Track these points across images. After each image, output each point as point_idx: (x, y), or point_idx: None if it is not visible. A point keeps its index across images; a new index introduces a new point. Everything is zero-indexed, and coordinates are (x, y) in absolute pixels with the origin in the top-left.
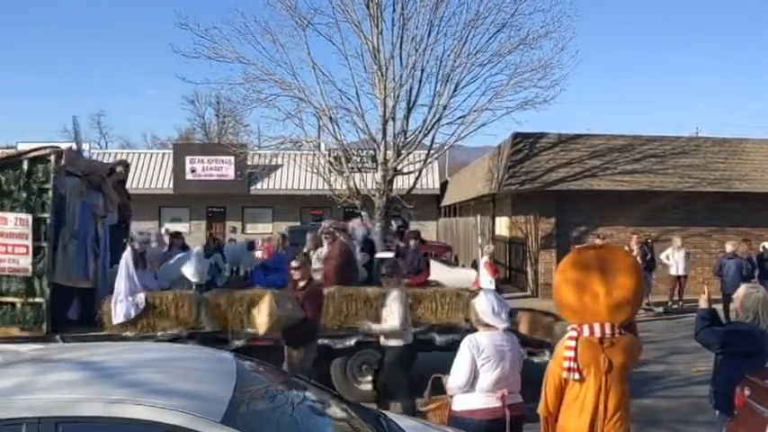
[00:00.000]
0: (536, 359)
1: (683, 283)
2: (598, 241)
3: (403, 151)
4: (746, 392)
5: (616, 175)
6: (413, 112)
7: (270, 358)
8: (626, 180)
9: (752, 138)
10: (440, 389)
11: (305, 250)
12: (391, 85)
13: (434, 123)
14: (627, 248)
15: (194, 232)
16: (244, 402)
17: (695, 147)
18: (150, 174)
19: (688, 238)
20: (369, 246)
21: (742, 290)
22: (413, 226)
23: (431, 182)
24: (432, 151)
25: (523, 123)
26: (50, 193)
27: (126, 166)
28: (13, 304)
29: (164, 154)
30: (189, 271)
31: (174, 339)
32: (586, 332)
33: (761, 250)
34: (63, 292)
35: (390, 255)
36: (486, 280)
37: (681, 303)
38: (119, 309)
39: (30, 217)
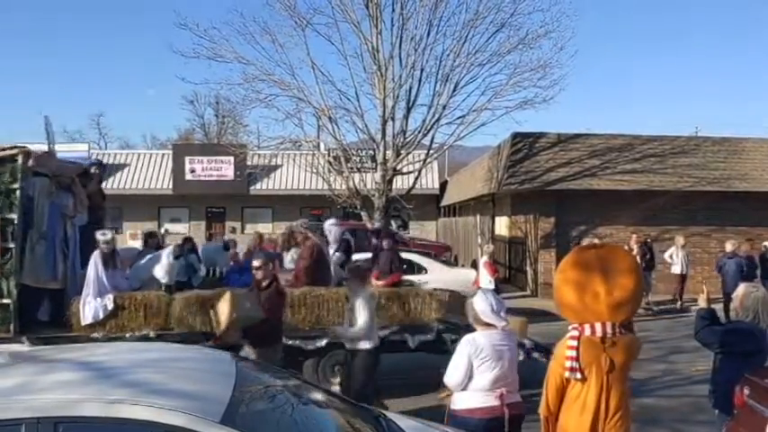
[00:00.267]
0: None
1: (684, 282)
2: (596, 241)
3: (402, 151)
4: (746, 392)
5: (616, 174)
6: (412, 111)
7: None
8: (625, 180)
9: (751, 137)
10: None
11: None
12: (390, 85)
13: (434, 123)
14: (627, 248)
15: (194, 232)
16: (243, 402)
17: (695, 146)
18: (150, 174)
19: (687, 238)
20: (345, 245)
21: (741, 289)
22: (412, 226)
23: (430, 182)
24: (431, 151)
25: (523, 123)
26: (18, 193)
27: (101, 166)
28: None
29: (163, 154)
30: (159, 271)
31: (143, 340)
32: (588, 332)
33: (763, 249)
34: (32, 293)
35: (368, 255)
36: (486, 280)
37: (680, 303)
38: (87, 310)
39: None
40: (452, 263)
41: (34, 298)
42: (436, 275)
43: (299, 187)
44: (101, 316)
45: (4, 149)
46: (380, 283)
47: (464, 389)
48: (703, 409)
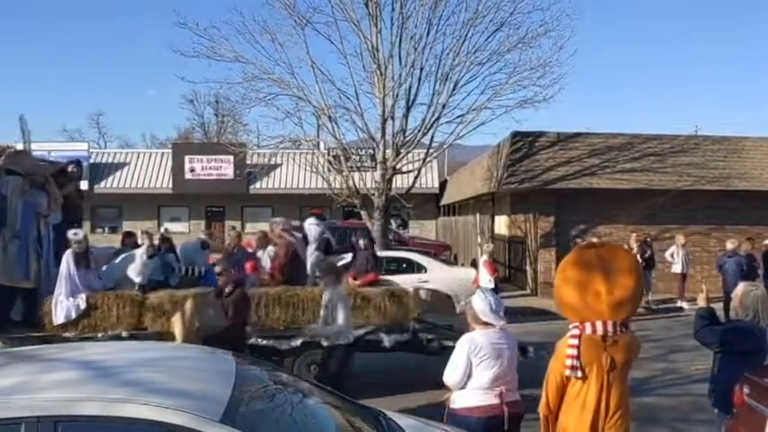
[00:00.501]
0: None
1: (685, 281)
2: (595, 240)
3: (402, 150)
4: (745, 391)
5: (615, 173)
6: (412, 110)
7: None
8: (625, 179)
9: (751, 136)
10: None
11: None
12: (390, 84)
13: (433, 122)
14: (626, 247)
15: (194, 232)
16: (243, 401)
17: (694, 145)
18: (149, 173)
19: (687, 237)
20: (325, 245)
21: (741, 288)
22: (412, 225)
23: (430, 181)
24: (431, 150)
25: (522, 122)
26: None
27: (79, 165)
28: None
29: (163, 153)
30: (132, 271)
31: (116, 340)
32: (588, 330)
33: (765, 248)
34: (4, 293)
35: (348, 256)
36: (486, 279)
37: (685, 302)
38: (59, 309)
39: None
40: (452, 262)
41: (7, 297)
42: (436, 274)
43: (298, 186)
44: (73, 315)
45: None
46: (357, 282)
47: (463, 387)
48: (703, 407)
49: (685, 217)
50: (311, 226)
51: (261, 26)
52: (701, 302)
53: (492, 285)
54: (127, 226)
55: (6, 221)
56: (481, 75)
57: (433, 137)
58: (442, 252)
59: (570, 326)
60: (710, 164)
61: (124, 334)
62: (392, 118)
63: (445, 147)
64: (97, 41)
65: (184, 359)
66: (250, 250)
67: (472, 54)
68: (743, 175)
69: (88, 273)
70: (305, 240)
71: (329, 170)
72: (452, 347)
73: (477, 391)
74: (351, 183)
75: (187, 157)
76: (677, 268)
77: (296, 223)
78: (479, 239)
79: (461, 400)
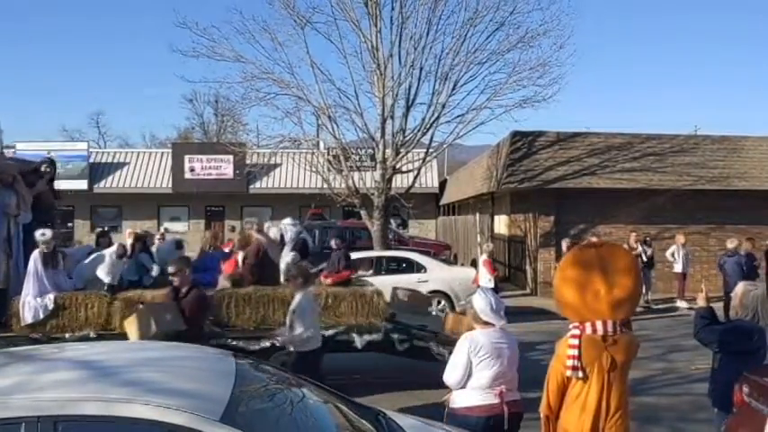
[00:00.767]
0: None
1: (685, 281)
2: (594, 239)
3: (402, 150)
4: (745, 390)
5: (615, 173)
6: (411, 110)
7: None
8: (625, 178)
9: (751, 136)
10: None
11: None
12: (390, 84)
13: (433, 122)
14: (626, 246)
15: (193, 231)
16: (243, 401)
17: (694, 145)
18: (149, 173)
19: (687, 236)
20: (301, 245)
21: (740, 287)
22: (412, 224)
23: (430, 180)
24: (431, 150)
25: (522, 122)
26: None
27: (52, 164)
28: None
29: (162, 153)
30: (101, 271)
31: (84, 341)
32: (589, 330)
33: (766, 248)
34: None
35: (324, 265)
36: (486, 278)
37: (687, 302)
38: (26, 310)
39: None
40: (452, 261)
41: None
42: (435, 274)
43: (298, 186)
44: (41, 316)
45: None
46: (328, 280)
47: (463, 387)
48: (703, 407)
49: (685, 217)
50: (288, 227)
51: (261, 26)
52: (701, 302)
53: (492, 285)
54: (127, 226)
55: None
56: (481, 74)
57: (432, 136)
58: (442, 252)
59: (570, 326)
60: (710, 163)
61: (92, 335)
62: (392, 117)
63: (445, 146)
64: (97, 41)
65: (184, 359)
66: (227, 250)
67: (472, 54)
68: (743, 174)
69: (57, 273)
70: (282, 241)
71: (329, 170)
72: (424, 348)
73: (477, 390)
74: (350, 182)
75: (187, 157)
76: (678, 268)
77: (287, 221)
78: (479, 239)
79: (461, 399)
